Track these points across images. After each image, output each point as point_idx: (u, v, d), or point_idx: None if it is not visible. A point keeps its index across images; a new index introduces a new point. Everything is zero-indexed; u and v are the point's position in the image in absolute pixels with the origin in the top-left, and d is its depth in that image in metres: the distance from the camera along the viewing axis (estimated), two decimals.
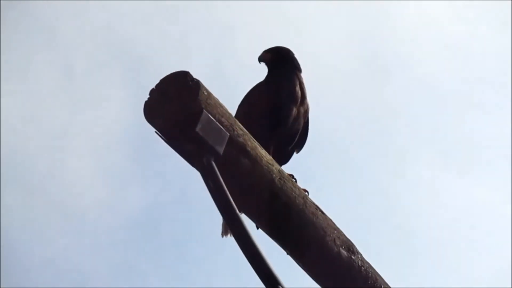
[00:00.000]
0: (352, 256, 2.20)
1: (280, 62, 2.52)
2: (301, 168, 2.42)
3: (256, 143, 1.99)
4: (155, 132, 1.86)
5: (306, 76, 2.46)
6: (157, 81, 1.87)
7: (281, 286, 1.83)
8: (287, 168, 2.41)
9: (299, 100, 2.44)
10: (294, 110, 2.43)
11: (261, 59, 2.55)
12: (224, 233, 2.44)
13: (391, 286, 2.29)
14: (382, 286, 2.27)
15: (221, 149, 1.82)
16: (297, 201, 2.10)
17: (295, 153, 2.69)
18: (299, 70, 2.52)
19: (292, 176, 2.24)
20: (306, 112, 2.51)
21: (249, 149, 1.94)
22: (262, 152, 2.01)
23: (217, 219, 2.50)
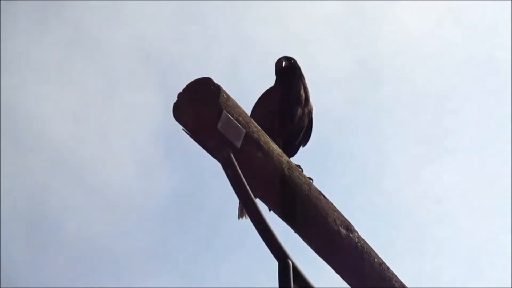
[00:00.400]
0: (350, 234, 2.43)
1: (288, 69, 2.79)
2: (307, 160, 2.68)
3: (268, 138, 2.22)
4: (182, 129, 2.09)
5: (309, 80, 2.75)
6: (184, 86, 2.09)
7: (290, 258, 2.10)
8: (294, 159, 2.63)
9: (303, 102, 2.72)
10: (299, 111, 2.71)
11: (280, 65, 2.78)
12: (240, 215, 2.72)
13: (382, 260, 2.56)
14: (375, 260, 2.52)
15: (238, 144, 2.05)
16: (303, 187, 2.33)
17: (301, 147, 2.96)
18: (303, 76, 2.78)
19: (299, 166, 2.49)
20: (310, 112, 2.79)
21: (262, 143, 2.17)
22: (273, 146, 2.24)
23: (234, 203, 2.77)
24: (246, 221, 2.47)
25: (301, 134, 2.83)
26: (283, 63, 2.73)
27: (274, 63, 2.76)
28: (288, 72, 2.75)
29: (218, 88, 2.05)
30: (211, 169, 2.19)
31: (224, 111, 2.04)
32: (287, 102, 2.69)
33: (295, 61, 2.76)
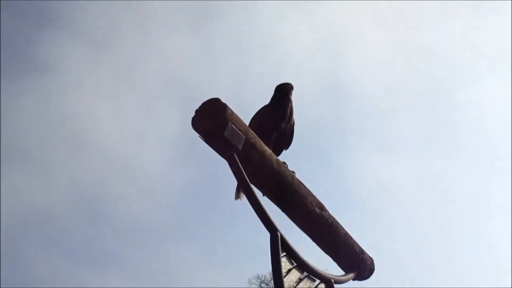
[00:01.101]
0: (323, 212, 3.01)
1: (280, 91, 3.45)
2: (290, 158, 3.33)
3: (261, 143, 2.80)
4: (199, 136, 2.64)
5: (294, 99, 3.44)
6: (200, 104, 2.63)
7: (279, 231, 2.66)
8: (281, 158, 3.23)
9: (287, 119, 3.41)
10: (284, 125, 3.41)
11: (288, 90, 3.41)
12: (236, 197, 3.33)
13: (347, 231, 3.17)
14: (342, 231, 3.12)
15: (240, 147, 2.61)
16: (288, 178, 2.90)
17: (285, 150, 3.61)
18: (291, 99, 3.44)
19: (284, 162, 3.04)
20: (292, 125, 3.47)
21: (257, 146, 2.74)
22: (266, 148, 2.82)
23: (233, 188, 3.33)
24: (246, 203, 2.95)
25: (285, 140, 3.53)
26: (291, 91, 3.41)
27: (279, 85, 3.39)
28: (283, 96, 3.42)
29: (224, 106, 2.61)
30: (220, 165, 2.78)
31: (229, 123, 2.58)
32: (277, 119, 3.39)
33: (290, 86, 3.43)
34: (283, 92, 3.44)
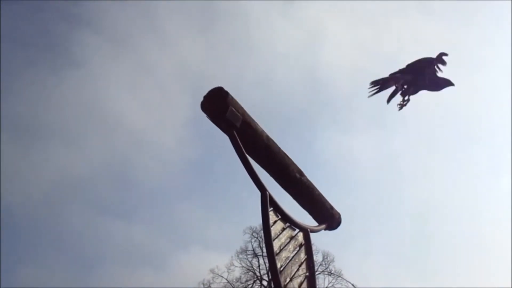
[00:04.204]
0: (302, 177, 3.62)
1: None
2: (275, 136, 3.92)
3: (256, 123, 3.36)
4: (206, 116, 3.21)
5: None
6: (207, 91, 3.18)
7: (267, 191, 3.25)
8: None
9: None
10: None
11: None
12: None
13: (320, 191, 3.74)
14: (316, 192, 3.71)
15: (238, 125, 3.19)
16: (276, 150, 3.48)
17: None
18: None
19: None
20: None
21: (252, 125, 3.32)
22: (259, 126, 3.38)
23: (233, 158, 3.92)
24: (242, 169, 3.48)
25: None
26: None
27: None
28: None
29: (226, 93, 3.17)
30: (223, 139, 3.34)
31: (230, 106, 3.15)
32: None
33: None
34: None
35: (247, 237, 27.39)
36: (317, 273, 26.90)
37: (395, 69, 6.25)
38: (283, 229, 3.45)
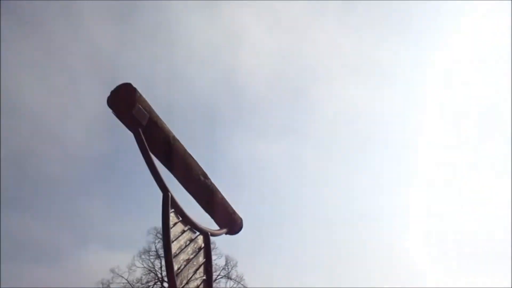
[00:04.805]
0: (206, 180, 3.61)
1: None
2: (185, 138, 3.89)
3: (163, 122, 3.32)
4: (112, 112, 3.12)
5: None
6: (115, 86, 3.09)
7: (170, 192, 3.21)
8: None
9: None
10: None
11: None
12: None
13: (223, 195, 3.77)
14: (219, 195, 3.71)
15: (144, 123, 3.14)
16: (181, 152, 3.46)
17: None
18: None
19: (178, 140, 3.64)
20: None
21: (158, 124, 3.26)
22: (165, 126, 3.34)
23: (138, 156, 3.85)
24: (146, 169, 3.44)
25: None
26: None
27: None
28: None
29: (134, 90, 3.11)
30: (128, 137, 3.26)
31: (137, 103, 3.09)
32: None
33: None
34: None
35: (151, 237, 27.19)
36: (218, 277, 27.10)
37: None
38: (183, 231, 3.43)
